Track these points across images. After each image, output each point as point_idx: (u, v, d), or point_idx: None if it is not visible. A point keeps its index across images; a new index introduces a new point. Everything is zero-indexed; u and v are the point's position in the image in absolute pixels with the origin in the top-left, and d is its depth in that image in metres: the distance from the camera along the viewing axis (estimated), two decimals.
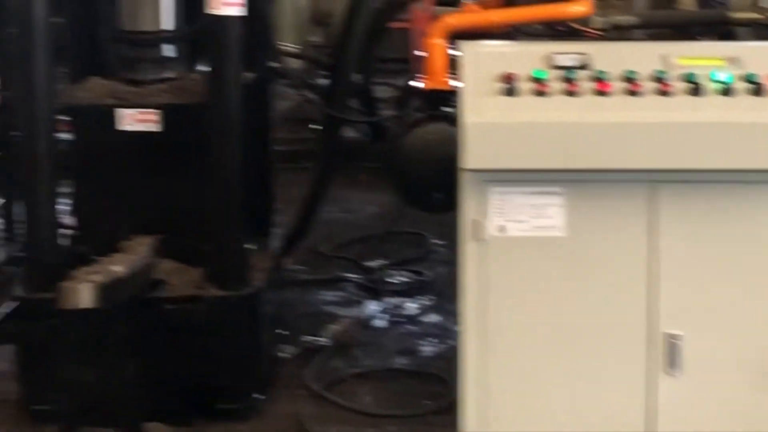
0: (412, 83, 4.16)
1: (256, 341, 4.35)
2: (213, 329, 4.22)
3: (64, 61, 4.46)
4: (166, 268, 4.30)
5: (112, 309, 3.96)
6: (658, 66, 3.57)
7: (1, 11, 4.55)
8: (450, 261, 3.72)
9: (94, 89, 4.37)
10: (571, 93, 3.52)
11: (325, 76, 4.78)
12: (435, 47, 3.97)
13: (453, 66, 3.78)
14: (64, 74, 4.48)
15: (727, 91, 3.52)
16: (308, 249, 5.57)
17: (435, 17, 4.18)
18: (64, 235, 4.34)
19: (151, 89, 4.34)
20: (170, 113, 4.28)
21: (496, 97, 3.52)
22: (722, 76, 3.54)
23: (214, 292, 4.23)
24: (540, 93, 3.52)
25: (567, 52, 3.60)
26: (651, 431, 3.66)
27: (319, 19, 7.52)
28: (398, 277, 5.52)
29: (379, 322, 5.15)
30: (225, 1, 4.02)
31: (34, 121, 4.11)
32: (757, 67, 3.55)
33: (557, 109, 3.50)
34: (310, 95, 5.18)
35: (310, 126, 5.12)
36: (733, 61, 3.58)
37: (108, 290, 3.92)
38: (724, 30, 3.98)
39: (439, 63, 3.96)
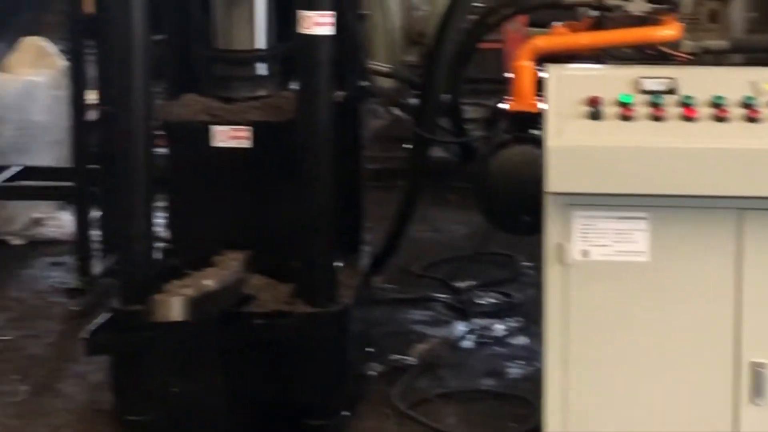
0: (500, 105, 4.17)
1: (343, 358, 4.36)
2: (301, 345, 4.25)
3: (161, 78, 4.54)
4: (256, 283, 4.33)
5: (202, 322, 4.01)
6: (747, 92, 3.54)
7: (103, 28, 4.67)
8: (539, 283, 3.71)
9: (190, 106, 4.43)
10: (656, 118, 3.51)
11: (416, 96, 4.80)
12: (523, 69, 3.98)
13: (541, 88, 3.79)
14: (161, 90, 4.56)
15: None
16: (398, 268, 5.58)
17: (527, 38, 4.18)
18: (157, 249, 4.40)
19: (243, 106, 4.39)
20: (261, 130, 4.33)
21: (581, 121, 3.52)
22: None
23: (302, 308, 4.25)
24: (625, 117, 3.51)
25: (654, 76, 3.59)
26: None
27: (413, 39, 7.56)
28: (487, 298, 5.51)
29: (467, 343, 5.14)
30: (316, 21, 4.07)
31: (132, 135, 4.18)
32: None
33: (642, 133, 3.49)
34: (400, 114, 5.21)
35: (404, 145, 5.14)
36: None
37: (198, 304, 3.97)
38: None
39: (526, 85, 3.97)
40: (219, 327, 4.14)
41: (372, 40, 7.58)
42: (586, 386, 3.65)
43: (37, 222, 6.43)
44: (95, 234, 5.79)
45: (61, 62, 6.41)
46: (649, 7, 3.97)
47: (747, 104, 3.51)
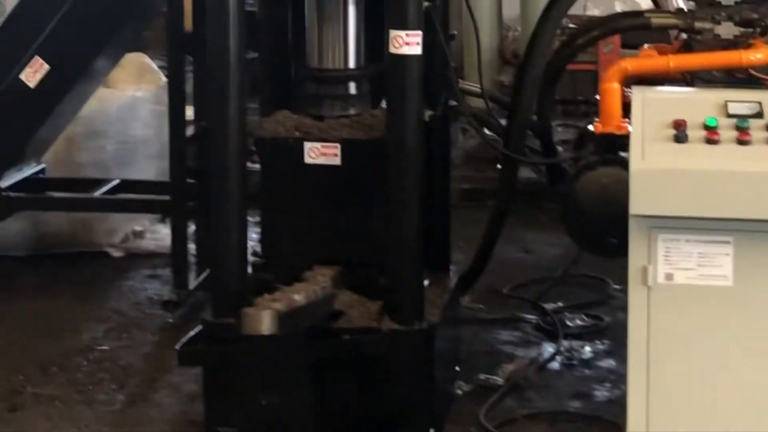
0: (589, 126, 4.17)
1: (430, 376, 4.38)
2: (389, 362, 4.28)
3: (255, 95, 4.62)
4: (346, 299, 4.37)
5: (291, 336, 4.06)
6: None
7: (201, 46, 4.76)
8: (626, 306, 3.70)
9: (282, 123, 4.50)
10: (742, 142, 3.49)
11: (506, 116, 4.81)
12: (611, 91, 3.98)
13: (629, 110, 3.78)
14: (255, 107, 4.63)
15: None
16: (487, 287, 5.59)
17: (619, 60, 4.18)
18: (249, 263, 4.47)
19: (333, 124, 4.44)
20: (351, 148, 4.38)
21: (666, 144, 3.51)
22: None
23: (390, 325, 4.28)
24: (710, 141, 3.49)
25: (741, 100, 3.57)
26: None
27: (507, 59, 7.58)
28: (576, 320, 5.49)
29: (554, 365, 5.13)
30: (406, 41, 4.11)
31: (227, 151, 4.25)
32: None
33: (727, 157, 3.47)
34: (489, 134, 5.21)
35: (497, 165, 5.16)
36: None
37: (288, 318, 4.00)
38: None
39: (614, 107, 3.97)
40: (308, 341, 4.18)
41: (465, 60, 7.64)
42: (668, 410, 3.63)
43: (137, 235, 6.54)
44: (191, 247, 5.91)
45: (162, 78, 6.54)
46: (738, 30, 3.96)
47: None
